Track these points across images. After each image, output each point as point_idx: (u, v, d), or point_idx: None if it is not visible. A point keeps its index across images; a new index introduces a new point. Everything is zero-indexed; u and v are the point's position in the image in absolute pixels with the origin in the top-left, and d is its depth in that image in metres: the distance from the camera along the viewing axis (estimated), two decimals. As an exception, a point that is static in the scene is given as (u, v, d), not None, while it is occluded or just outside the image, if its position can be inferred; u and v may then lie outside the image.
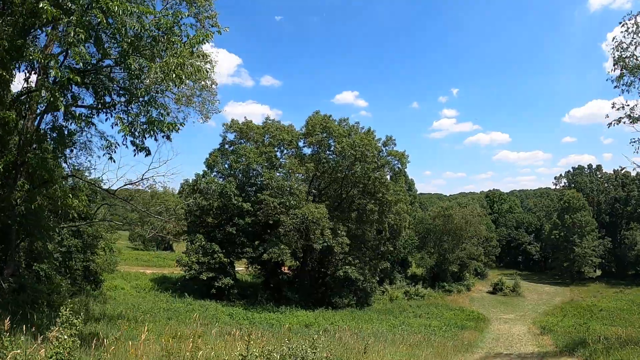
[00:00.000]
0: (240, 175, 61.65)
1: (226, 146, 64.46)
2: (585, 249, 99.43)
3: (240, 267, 69.45)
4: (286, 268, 67.20)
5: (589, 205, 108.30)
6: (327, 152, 62.01)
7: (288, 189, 56.29)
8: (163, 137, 17.74)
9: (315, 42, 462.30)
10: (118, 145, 18.29)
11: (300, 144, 65.16)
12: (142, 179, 27.33)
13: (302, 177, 63.38)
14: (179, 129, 17.04)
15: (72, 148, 23.45)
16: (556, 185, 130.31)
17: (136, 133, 16.77)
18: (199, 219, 60.07)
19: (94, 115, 19.66)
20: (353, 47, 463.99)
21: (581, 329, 43.93)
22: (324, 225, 54.70)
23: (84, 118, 18.37)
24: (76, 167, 27.78)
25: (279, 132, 62.73)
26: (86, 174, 32.03)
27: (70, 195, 18.85)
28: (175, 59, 15.29)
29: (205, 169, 63.23)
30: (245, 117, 64.84)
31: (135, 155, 16.81)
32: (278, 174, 59.60)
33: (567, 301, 77.10)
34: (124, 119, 17.13)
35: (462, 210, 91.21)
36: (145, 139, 17.03)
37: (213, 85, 31.40)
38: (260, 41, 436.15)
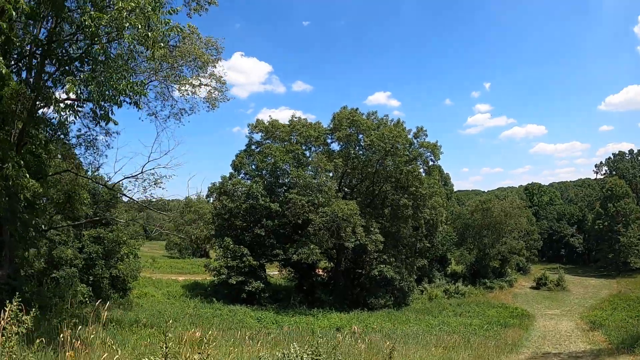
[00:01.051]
0: (267, 175, 59.40)
1: (253, 147, 62.19)
2: (631, 238, 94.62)
3: (274, 272, 67.47)
4: (320, 270, 64.82)
5: (633, 192, 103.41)
6: (356, 147, 59.19)
7: (316, 186, 53.47)
8: (130, 103, 15.12)
9: (344, 45, 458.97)
10: (76, 118, 15.39)
11: (328, 140, 62.41)
12: (141, 172, 25.08)
13: (332, 174, 60.65)
14: (145, 92, 14.30)
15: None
16: (597, 173, 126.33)
17: (92, 96, 13.94)
18: (227, 222, 57.85)
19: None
20: (382, 48, 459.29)
21: (634, 323, 40.29)
22: (355, 223, 51.71)
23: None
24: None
25: (306, 129, 60.06)
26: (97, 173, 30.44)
27: (27, 175, 15.87)
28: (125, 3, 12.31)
29: (232, 171, 60.80)
30: (270, 116, 62.53)
31: (96, 124, 14.25)
32: (306, 172, 56.64)
33: (615, 294, 72.49)
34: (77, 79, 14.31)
35: (501, 202, 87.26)
36: (105, 103, 14.32)
37: (219, 70, 28.87)
38: (289, 47, 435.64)
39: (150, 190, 27.76)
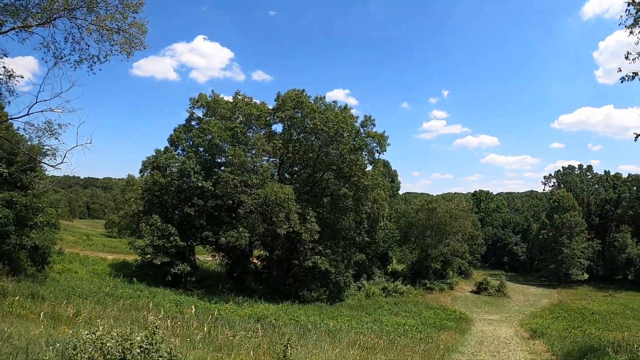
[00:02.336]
0: (204, 153, 54.91)
1: (193, 122, 57.64)
2: (574, 250, 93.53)
3: (208, 258, 64.44)
4: (256, 259, 61.19)
5: (579, 206, 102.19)
6: (299, 130, 55.16)
7: (251, 166, 49.36)
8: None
9: (309, 38, 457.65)
10: None
11: (271, 121, 58.03)
12: (28, 114, 20.78)
13: (272, 158, 56.82)
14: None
15: None
16: (545, 184, 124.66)
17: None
18: (158, 198, 53.80)
19: None
20: (346, 45, 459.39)
21: (577, 333, 37.43)
22: (290, 209, 47.88)
23: None
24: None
25: (248, 107, 55.87)
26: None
27: None
28: None
29: (168, 145, 56.20)
30: (213, 91, 58.13)
31: None
32: (245, 152, 52.08)
33: (556, 303, 71.25)
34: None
35: (447, 204, 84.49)
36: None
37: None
38: (253, 36, 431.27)
39: (45, 139, 23.29)
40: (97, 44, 21.92)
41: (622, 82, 20.88)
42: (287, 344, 13.87)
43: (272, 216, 47.89)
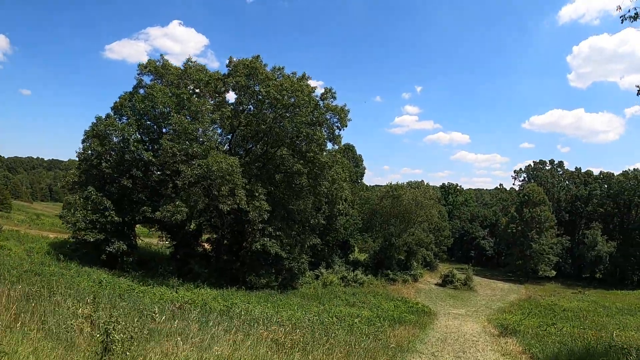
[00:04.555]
0: (151, 123, 48.89)
1: (141, 91, 51.29)
2: (543, 245, 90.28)
3: (158, 241, 58.54)
4: (206, 243, 56.24)
5: (549, 201, 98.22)
6: (251, 99, 49.19)
7: (196, 134, 43.43)
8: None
9: (285, 27, 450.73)
10: None
11: (222, 89, 51.57)
12: None
13: (223, 133, 51.15)
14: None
15: None
16: (515, 179, 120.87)
17: None
18: (95, 169, 47.37)
19: None
20: (321, 35, 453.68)
21: (552, 331, 32.17)
22: (235, 182, 41.95)
23: None
24: None
25: (198, 73, 49.90)
26: None
27: None
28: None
29: (111, 112, 49.89)
30: (162, 56, 52.16)
31: None
32: (190, 120, 46.02)
33: (524, 299, 66.77)
34: None
35: (413, 191, 79.25)
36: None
37: None
38: (229, 23, 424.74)
39: None
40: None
41: (622, 22, 17.01)
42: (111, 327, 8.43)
43: (212, 189, 41.94)
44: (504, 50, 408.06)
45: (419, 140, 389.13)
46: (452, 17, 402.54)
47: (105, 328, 9.36)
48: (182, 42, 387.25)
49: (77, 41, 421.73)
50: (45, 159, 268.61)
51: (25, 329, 10.66)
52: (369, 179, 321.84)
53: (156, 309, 18.75)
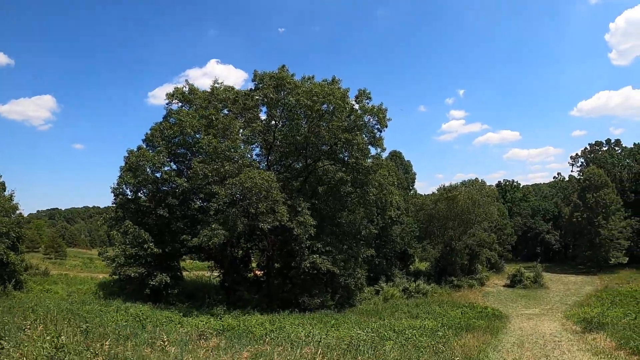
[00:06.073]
0: (182, 149, 46.63)
1: (170, 119, 48.96)
2: (612, 230, 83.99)
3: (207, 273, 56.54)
4: (258, 271, 53.43)
5: (612, 182, 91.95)
6: (282, 111, 46.22)
7: (227, 153, 40.52)
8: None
9: (319, 51, 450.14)
10: None
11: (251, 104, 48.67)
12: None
13: (257, 148, 48.64)
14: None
15: None
16: (573, 165, 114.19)
17: None
18: (132, 202, 45.81)
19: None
20: (356, 55, 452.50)
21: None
22: (275, 199, 38.81)
23: None
24: None
25: (224, 92, 47.29)
26: None
27: None
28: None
29: (142, 145, 47.69)
30: (186, 81, 50.03)
31: None
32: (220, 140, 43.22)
33: (601, 289, 61.42)
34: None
35: (468, 189, 74.97)
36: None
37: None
38: (264, 54, 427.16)
39: None
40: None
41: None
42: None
43: (251, 208, 38.85)
44: (540, 40, 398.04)
45: (468, 144, 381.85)
46: (483, 17, 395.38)
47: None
48: (222, 79, 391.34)
49: (119, 92, 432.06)
50: (101, 207, 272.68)
51: None
52: (423, 189, 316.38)
53: (165, 337, 15.70)
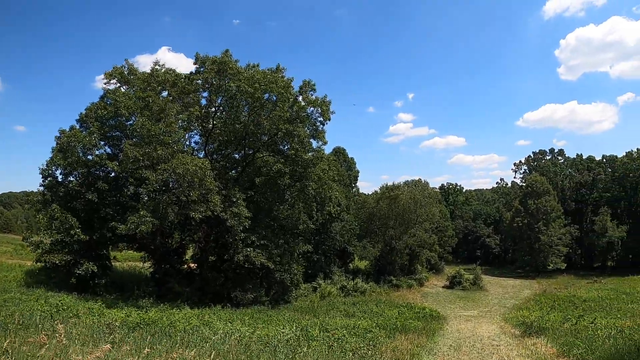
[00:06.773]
0: (117, 132, 44.21)
1: (107, 100, 46.44)
2: (552, 236, 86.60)
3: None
4: (191, 261, 50.89)
5: (553, 190, 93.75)
6: (222, 97, 44.39)
7: (158, 136, 38.38)
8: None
9: (273, 46, 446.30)
10: None
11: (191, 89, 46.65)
12: None
13: (200, 138, 46.77)
14: None
15: None
16: (516, 171, 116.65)
17: None
18: (61, 185, 42.79)
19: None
20: (310, 52, 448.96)
21: (585, 325, 27.22)
22: (208, 187, 37.02)
23: None
24: None
25: (164, 74, 45.11)
26: None
27: None
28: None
29: (76, 125, 45.05)
30: (126, 60, 47.59)
31: None
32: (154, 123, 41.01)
33: (539, 293, 62.25)
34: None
35: (411, 189, 74.70)
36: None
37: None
38: (218, 46, 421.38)
39: None
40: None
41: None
42: None
43: (182, 195, 36.91)
44: (493, 51, 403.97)
45: (415, 147, 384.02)
46: (438, 23, 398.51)
47: None
48: (171, 67, 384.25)
49: (66, 75, 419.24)
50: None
51: None
52: (368, 189, 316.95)
53: (60, 326, 13.96)
